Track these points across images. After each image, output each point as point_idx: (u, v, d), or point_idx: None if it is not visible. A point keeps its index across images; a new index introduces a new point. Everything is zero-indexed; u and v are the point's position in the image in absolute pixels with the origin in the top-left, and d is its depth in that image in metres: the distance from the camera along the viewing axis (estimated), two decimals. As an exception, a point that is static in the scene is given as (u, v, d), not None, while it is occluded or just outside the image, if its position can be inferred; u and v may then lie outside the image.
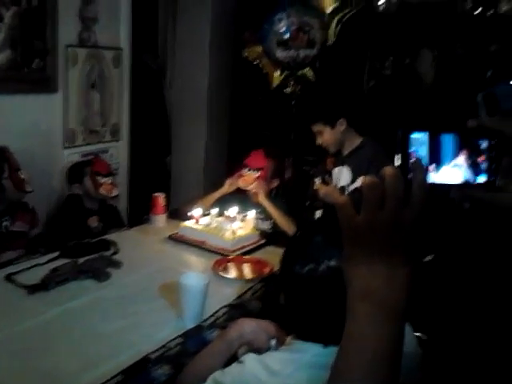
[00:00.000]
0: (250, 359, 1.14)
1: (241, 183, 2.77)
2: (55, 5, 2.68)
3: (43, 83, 2.74)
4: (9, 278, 1.91)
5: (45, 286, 1.84)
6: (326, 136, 2.39)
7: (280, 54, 3.30)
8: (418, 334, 1.37)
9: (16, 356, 1.45)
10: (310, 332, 1.13)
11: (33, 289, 1.82)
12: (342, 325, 0.70)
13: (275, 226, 2.78)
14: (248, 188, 2.76)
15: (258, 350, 1.25)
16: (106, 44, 3.09)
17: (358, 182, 2.32)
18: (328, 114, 2.40)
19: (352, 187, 2.34)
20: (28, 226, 2.43)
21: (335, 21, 3.24)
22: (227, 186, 2.80)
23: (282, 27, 3.26)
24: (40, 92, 2.74)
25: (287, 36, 3.25)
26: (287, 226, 2.66)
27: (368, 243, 0.58)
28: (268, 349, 1.25)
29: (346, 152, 2.43)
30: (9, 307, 1.73)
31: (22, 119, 2.67)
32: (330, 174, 2.46)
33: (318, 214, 2.48)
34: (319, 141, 2.44)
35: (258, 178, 2.76)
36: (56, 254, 2.15)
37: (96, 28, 2.97)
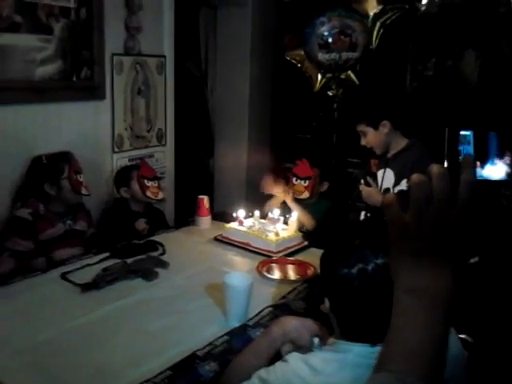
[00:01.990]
0: (293, 358, 1.16)
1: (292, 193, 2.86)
2: (102, 16, 2.79)
3: (91, 91, 2.85)
4: (64, 276, 2.01)
5: (96, 284, 1.92)
6: (370, 137, 2.39)
7: (322, 56, 3.32)
8: (463, 336, 1.35)
9: (68, 351, 1.52)
10: (357, 331, 1.14)
11: (85, 287, 1.90)
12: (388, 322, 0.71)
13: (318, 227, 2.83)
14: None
15: (301, 348, 1.27)
16: (150, 52, 3.18)
17: (403, 184, 2.30)
18: (371, 115, 2.40)
19: (396, 189, 2.32)
20: (87, 226, 2.54)
21: (378, 24, 3.22)
22: (282, 195, 2.87)
23: (323, 30, 3.28)
24: (88, 99, 2.85)
25: (329, 39, 3.26)
26: (307, 224, 2.77)
27: (414, 241, 0.59)
28: (310, 347, 1.27)
29: (390, 154, 2.41)
30: (63, 304, 1.81)
31: (73, 126, 2.79)
32: (374, 176, 2.44)
33: (362, 215, 2.48)
34: (363, 141, 2.43)
35: (307, 187, 2.86)
36: (106, 254, 2.23)
37: (140, 37, 3.07)
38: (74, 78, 2.72)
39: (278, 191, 2.88)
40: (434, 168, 0.57)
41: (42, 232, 2.34)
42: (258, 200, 3.18)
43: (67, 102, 2.72)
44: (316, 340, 1.29)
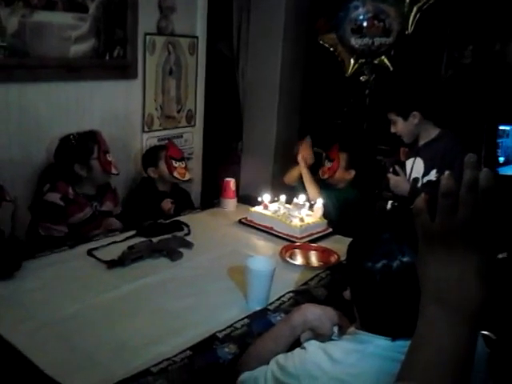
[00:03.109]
0: (312, 346, 1.16)
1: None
2: (136, -5, 2.79)
3: (124, 70, 2.86)
4: (90, 253, 2.05)
5: (121, 262, 1.95)
6: (399, 126, 2.34)
7: (354, 41, 3.26)
8: (486, 332, 1.32)
9: (92, 326, 1.55)
10: (377, 325, 1.13)
11: (111, 264, 1.94)
12: (412, 320, 0.70)
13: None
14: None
15: (321, 336, 1.28)
16: (182, 32, 3.17)
17: (432, 175, 2.25)
18: (401, 106, 2.35)
19: (425, 179, 2.28)
20: (113, 206, 2.57)
21: (415, 9, 3.13)
22: (302, 163, 3.00)
23: (357, 15, 3.21)
24: (120, 78, 2.87)
25: (362, 24, 3.20)
26: (312, 194, 2.84)
27: (441, 246, 0.59)
28: (331, 335, 1.27)
29: (421, 143, 2.36)
30: (89, 280, 1.85)
31: (104, 104, 2.82)
32: (403, 165, 2.40)
33: (389, 204, 2.44)
34: (393, 129, 2.39)
35: (329, 168, 2.93)
36: (133, 232, 2.27)
37: (173, 17, 3.06)
38: (107, 57, 2.74)
39: (302, 156, 2.99)
40: (465, 175, 0.55)
41: (72, 216, 2.36)
42: (285, 185, 3.17)
43: (99, 80, 2.74)
44: (336, 329, 1.29)
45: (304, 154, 3.02)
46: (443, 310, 0.59)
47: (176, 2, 3.03)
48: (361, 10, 3.20)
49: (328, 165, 2.97)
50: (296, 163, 3.07)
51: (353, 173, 2.96)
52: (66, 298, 1.70)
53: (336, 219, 2.54)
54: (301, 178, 3.05)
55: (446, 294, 0.59)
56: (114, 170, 2.46)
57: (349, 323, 1.28)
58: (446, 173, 0.58)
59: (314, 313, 1.31)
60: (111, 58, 2.75)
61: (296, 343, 1.30)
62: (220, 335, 1.53)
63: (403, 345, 1.09)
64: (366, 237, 1.19)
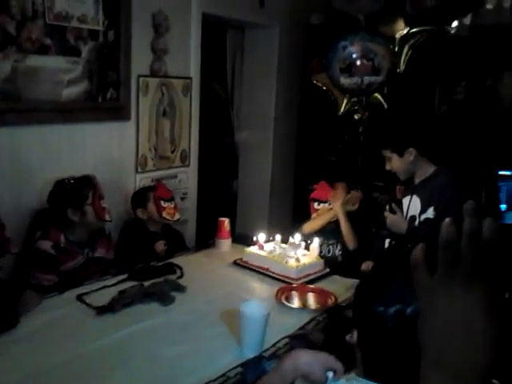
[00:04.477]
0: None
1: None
2: (129, 38, 2.81)
3: (117, 112, 2.86)
4: (80, 298, 1.99)
5: (111, 308, 1.90)
6: (395, 163, 2.32)
7: (344, 80, 3.30)
8: (494, 381, 1.26)
9: (80, 378, 1.49)
10: (381, 373, 1.08)
11: (100, 310, 1.88)
12: None
13: (345, 253, 2.78)
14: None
15: (315, 382, 1.21)
16: (176, 73, 3.19)
17: (429, 212, 2.22)
18: (396, 142, 2.33)
19: (423, 217, 2.24)
20: (106, 252, 2.49)
21: (406, 47, 3.18)
22: (339, 207, 2.82)
23: (345, 55, 3.26)
24: (114, 120, 2.86)
25: (351, 63, 3.24)
26: (352, 242, 2.76)
27: (442, 300, 0.54)
28: (324, 382, 1.21)
29: (417, 180, 2.33)
30: (78, 327, 1.79)
31: (98, 146, 2.80)
32: (400, 203, 2.37)
33: (387, 243, 2.40)
34: (388, 167, 2.36)
35: (331, 208, 2.84)
36: (124, 276, 2.21)
37: (167, 58, 3.09)
38: (100, 99, 2.74)
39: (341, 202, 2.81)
40: (466, 224, 0.52)
41: (63, 265, 2.29)
42: (280, 224, 3.14)
43: (93, 122, 2.73)
44: (330, 374, 1.23)
45: (341, 198, 2.82)
46: (444, 377, 0.54)
47: (169, 44, 3.06)
48: (349, 49, 3.24)
49: (324, 206, 2.87)
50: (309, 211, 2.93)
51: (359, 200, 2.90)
52: (54, 347, 1.65)
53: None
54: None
55: (448, 356, 0.54)
56: (107, 217, 2.40)
57: (343, 368, 1.22)
58: (446, 220, 0.54)
59: (304, 359, 1.24)
60: (104, 100, 2.75)
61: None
62: (213, 385, 1.46)
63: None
64: (376, 279, 1.14)
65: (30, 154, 2.50)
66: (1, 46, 2.26)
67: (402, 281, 1.08)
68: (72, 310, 1.91)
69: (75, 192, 2.35)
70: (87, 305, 1.93)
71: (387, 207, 2.38)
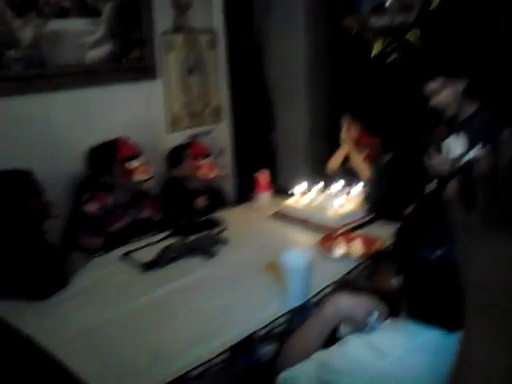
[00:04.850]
0: (355, 339, 1.09)
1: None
2: (150, -7, 2.74)
3: (143, 72, 2.81)
4: (126, 255, 2.03)
5: (157, 263, 1.93)
6: (445, 94, 2.16)
7: (374, 21, 3.14)
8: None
9: (130, 332, 1.53)
10: (428, 315, 1.05)
11: (146, 266, 1.92)
12: None
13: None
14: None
15: (358, 325, 1.20)
16: (200, 28, 3.10)
17: (472, 153, 2.11)
18: (452, 67, 2.19)
19: (466, 158, 2.14)
20: (152, 212, 2.52)
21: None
22: (346, 146, 2.90)
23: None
24: (140, 80, 2.82)
25: (380, 2, 3.06)
26: (364, 173, 2.78)
27: (483, 240, 0.51)
28: (368, 323, 1.19)
29: (458, 121, 2.20)
30: (125, 284, 1.84)
31: (126, 108, 2.78)
32: (441, 145, 2.26)
33: (432, 185, 2.31)
34: (436, 100, 2.20)
35: (364, 158, 2.85)
36: (168, 232, 2.24)
37: (189, 13, 3.00)
38: (125, 60, 2.70)
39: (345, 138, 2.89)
40: (502, 156, 0.47)
41: (110, 226, 2.34)
42: (321, 173, 3.08)
43: (119, 83, 2.70)
44: (374, 315, 1.20)
45: (349, 133, 2.89)
46: (488, 323, 0.50)
47: (191, -2, 2.97)
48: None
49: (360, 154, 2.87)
50: (336, 148, 2.96)
51: (388, 156, 2.87)
52: (103, 303, 1.69)
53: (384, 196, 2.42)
54: (343, 163, 2.93)
55: (492, 300, 0.50)
56: (137, 177, 2.40)
57: (386, 309, 1.21)
58: (481, 154, 0.49)
59: (345, 302, 1.24)
60: (129, 60, 2.71)
61: (333, 336, 1.23)
62: (259, 334, 1.48)
63: (457, 338, 1.01)
64: (417, 222, 1.09)
65: (61, 119, 2.52)
66: (20, 11, 2.24)
67: (445, 223, 1.02)
68: (119, 268, 1.96)
69: (102, 158, 2.42)
70: (133, 262, 1.97)
71: (429, 150, 2.28)
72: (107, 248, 2.15)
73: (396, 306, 1.22)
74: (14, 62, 2.27)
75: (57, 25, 2.38)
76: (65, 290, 1.77)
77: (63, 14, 2.40)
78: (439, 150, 2.23)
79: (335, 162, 2.95)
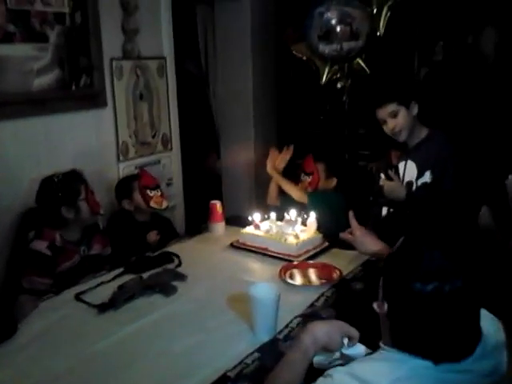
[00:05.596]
0: (338, 373, 1.08)
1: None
2: (98, 20, 2.67)
3: (92, 99, 2.73)
4: (78, 297, 1.90)
5: (113, 304, 1.81)
6: (401, 118, 2.19)
7: (323, 48, 3.22)
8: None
9: (90, 381, 1.43)
10: (416, 346, 1.04)
11: (102, 308, 1.80)
12: (457, 344, 0.59)
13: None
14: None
15: (331, 351, 1.23)
16: (149, 54, 3.06)
17: (426, 176, 2.18)
18: (404, 93, 2.25)
19: (420, 182, 2.21)
20: (101, 248, 2.40)
21: (385, 9, 3.10)
22: (274, 173, 3.04)
23: (322, 21, 3.17)
24: (90, 108, 2.73)
25: (329, 30, 3.15)
26: (298, 197, 2.88)
27: None
28: (341, 348, 1.22)
29: (412, 144, 2.27)
30: (80, 328, 1.71)
31: (76, 136, 2.67)
32: (395, 169, 2.32)
33: (385, 210, 2.36)
34: (391, 125, 2.23)
35: (310, 183, 2.95)
36: (120, 269, 2.13)
37: (138, 39, 2.96)
38: (74, 87, 2.60)
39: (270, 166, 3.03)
40: None
41: (59, 266, 2.18)
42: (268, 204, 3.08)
43: (68, 112, 2.60)
44: (346, 340, 1.23)
45: (272, 163, 3.05)
46: None
47: (139, 23, 2.92)
48: (325, 15, 3.16)
49: (307, 179, 2.96)
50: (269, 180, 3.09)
51: (335, 180, 2.99)
52: (59, 351, 1.57)
53: (332, 225, 2.43)
54: (282, 194, 3.01)
55: None
56: (101, 211, 2.32)
57: (357, 333, 1.23)
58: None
59: (321, 329, 1.23)
60: (78, 87, 2.62)
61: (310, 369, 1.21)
62: (231, 374, 1.41)
63: (446, 368, 1.01)
64: (409, 251, 1.09)
65: (6, 150, 2.37)
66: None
67: (440, 254, 1.03)
68: (71, 311, 1.82)
69: (67, 189, 2.23)
70: (87, 304, 1.85)
71: (382, 175, 2.33)
72: (57, 289, 2.00)
73: (368, 331, 1.23)
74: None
75: (1, 50, 2.25)
76: (15, 338, 1.62)
77: (8, 38, 2.27)
78: (395, 173, 2.29)
79: (271, 193, 3.10)
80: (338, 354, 1.25)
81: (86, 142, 2.72)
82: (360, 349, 1.23)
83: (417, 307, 1.02)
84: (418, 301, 1.01)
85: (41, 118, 2.48)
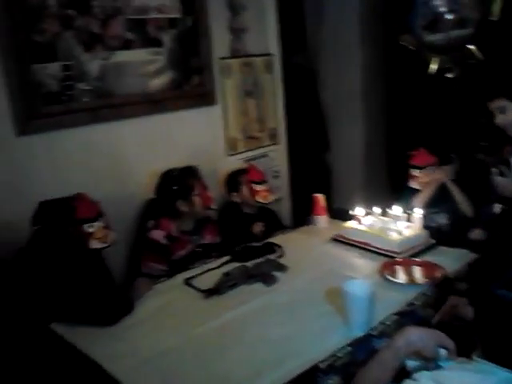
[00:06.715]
0: (425, 378, 1.07)
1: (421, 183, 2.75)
2: (206, 22, 2.82)
3: (203, 97, 2.90)
4: (187, 282, 2.07)
5: (218, 290, 1.95)
6: (510, 115, 2.09)
7: (428, 38, 3.07)
8: None
9: (192, 361, 1.55)
10: (503, 355, 1.01)
11: (208, 293, 1.94)
12: None
13: (450, 222, 2.63)
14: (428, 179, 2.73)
15: (427, 360, 1.18)
16: (256, 51, 3.16)
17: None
18: None
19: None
20: (212, 238, 2.55)
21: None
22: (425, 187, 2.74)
23: (427, 10, 3.02)
24: (201, 106, 2.91)
25: (433, 18, 3.01)
26: (468, 209, 2.62)
27: None
28: (437, 359, 1.17)
29: None
30: (188, 311, 1.86)
31: (189, 133, 2.87)
32: (508, 164, 2.17)
33: (498, 208, 2.22)
34: (500, 119, 2.13)
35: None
36: (227, 258, 2.27)
37: (246, 37, 3.07)
38: (186, 86, 2.79)
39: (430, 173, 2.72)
40: None
41: (174, 254, 2.38)
42: (377, 195, 3.02)
43: (181, 110, 2.79)
44: (443, 352, 1.18)
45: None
46: None
47: (246, 22, 3.03)
48: (430, 4, 3.00)
49: (417, 173, 2.76)
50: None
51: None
52: (166, 331, 1.72)
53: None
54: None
55: None
56: (213, 205, 2.49)
57: (454, 346, 1.17)
58: None
59: (416, 334, 1.21)
60: (189, 86, 2.80)
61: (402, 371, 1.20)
62: (322, 366, 1.45)
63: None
64: (494, 257, 1.06)
65: (126, 147, 2.61)
66: (88, 46, 2.38)
67: None
68: (182, 294, 1.99)
69: (182, 183, 2.41)
70: (195, 288, 2.00)
71: (495, 170, 2.19)
72: (170, 274, 2.19)
73: (465, 343, 1.18)
74: (83, 93, 2.40)
75: (121, 56, 2.50)
76: (130, 316, 1.82)
77: (127, 45, 2.52)
78: (506, 169, 2.14)
79: (424, 198, 2.73)
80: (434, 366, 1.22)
81: (197, 138, 2.91)
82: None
83: (502, 314, 0.98)
84: (503, 307, 0.97)
85: (157, 116, 2.70)
